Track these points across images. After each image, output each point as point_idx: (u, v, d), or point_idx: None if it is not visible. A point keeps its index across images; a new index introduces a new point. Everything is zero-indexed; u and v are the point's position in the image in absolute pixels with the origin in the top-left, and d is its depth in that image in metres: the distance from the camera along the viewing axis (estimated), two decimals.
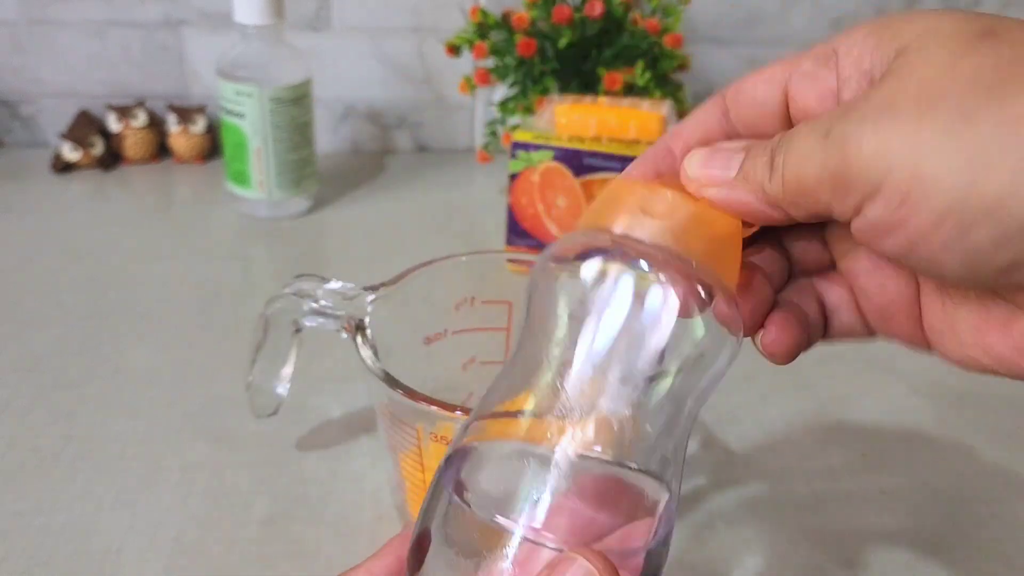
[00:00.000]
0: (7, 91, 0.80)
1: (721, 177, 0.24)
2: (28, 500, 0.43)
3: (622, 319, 0.23)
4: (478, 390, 0.46)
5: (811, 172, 0.22)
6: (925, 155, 0.20)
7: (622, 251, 0.23)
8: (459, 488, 0.23)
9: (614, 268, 0.23)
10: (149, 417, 0.49)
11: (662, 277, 0.23)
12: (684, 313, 0.24)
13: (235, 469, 0.45)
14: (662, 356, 0.24)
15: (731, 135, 0.27)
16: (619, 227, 0.24)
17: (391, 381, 0.35)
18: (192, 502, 0.43)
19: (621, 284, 0.23)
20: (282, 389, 0.44)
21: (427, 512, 0.24)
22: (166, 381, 0.52)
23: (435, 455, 0.37)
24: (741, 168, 0.24)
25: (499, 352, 0.45)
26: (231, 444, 0.47)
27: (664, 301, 0.23)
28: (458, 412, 0.34)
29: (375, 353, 0.36)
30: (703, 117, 0.27)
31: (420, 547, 0.24)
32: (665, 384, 0.24)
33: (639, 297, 0.23)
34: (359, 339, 0.37)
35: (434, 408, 0.34)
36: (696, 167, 0.25)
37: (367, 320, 0.38)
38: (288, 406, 0.45)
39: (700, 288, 0.24)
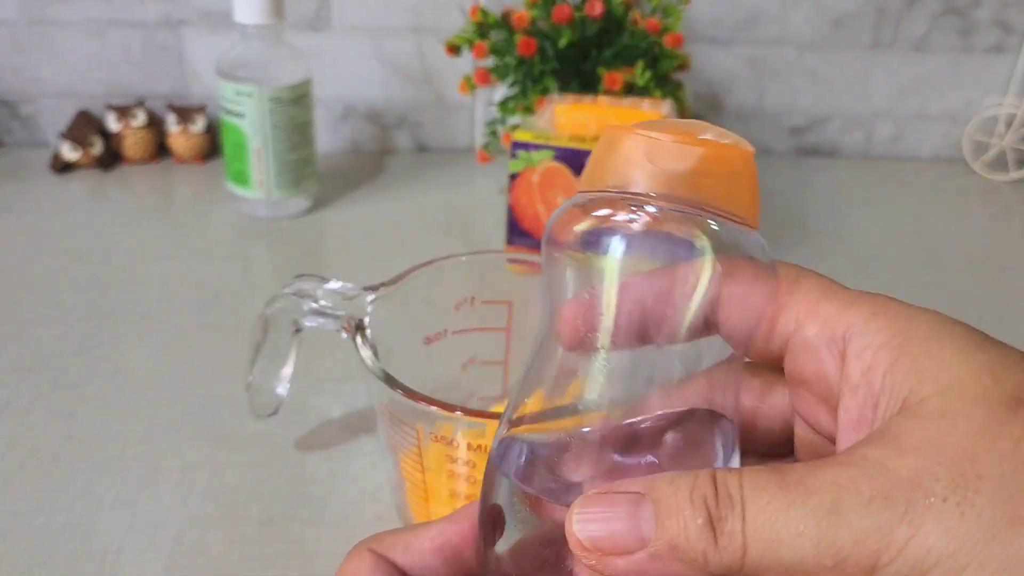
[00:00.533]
0: (7, 91, 0.80)
1: (636, 544, 0.18)
2: (28, 500, 0.43)
3: (662, 287, 0.22)
4: (478, 390, 0.46)
5: (804, 552, 0.17)
6: (966, 562, 0.17)
7: (641, 214, 0.21)
8: (519, 474, 0.23)
9: (637, 237, 0.21)
10: (149, 417, 0.49)
11: (691, 236, 0.21)
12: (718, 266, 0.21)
13: (235, 469, 0.45)
14: (703, 312, 0.22)
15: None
16: (632, 184, 0.21)
17: (391, 381, 0.35)
18: (192, 502, 0.43)
19: (649, 253, 0.21)
20: (282, 389, 0.44)
21: (490, 493, 0.23)
22: (166, 381, 0.52)
23: (435, 455, 0.37)
24: (662, 533, 0.18)
25: (499, 352, 0.45)
26: (231, 444, 0.47)
27: (699, 262, 0.21)
28: (458, 412, 0.34)
29: (375, 353, 0.36)
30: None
31: (494, 522, 0.23)
32: (709, 338, 0.22)
33: (673, 261, 0.21)
34: (359, 339, 0.37)
35: (434, 408, 0.34)
36: (583, 525, 0.19)
37: (367, 320, 0.38)
38: (288, 406, 0.45)
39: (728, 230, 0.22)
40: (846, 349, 0.21)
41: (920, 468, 0.17)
